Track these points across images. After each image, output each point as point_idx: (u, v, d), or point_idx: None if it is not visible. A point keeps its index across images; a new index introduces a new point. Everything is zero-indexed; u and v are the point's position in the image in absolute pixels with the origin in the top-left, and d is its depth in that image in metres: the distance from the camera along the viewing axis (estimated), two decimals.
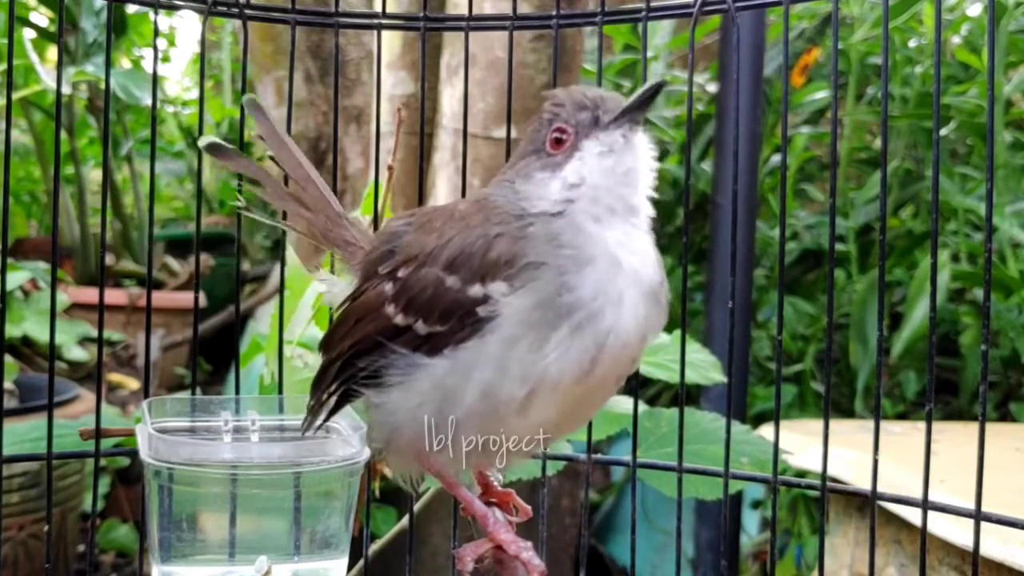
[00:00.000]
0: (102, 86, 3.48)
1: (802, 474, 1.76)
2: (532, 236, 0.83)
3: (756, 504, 2.43)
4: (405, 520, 1.36)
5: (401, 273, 0.88)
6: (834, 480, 1.63)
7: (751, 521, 2.49)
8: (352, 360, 0.90)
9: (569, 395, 0.83)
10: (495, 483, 1.01)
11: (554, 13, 1.18)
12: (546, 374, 0.81)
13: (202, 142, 1.04)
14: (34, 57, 3.29)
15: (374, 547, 1.52)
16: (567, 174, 0.85)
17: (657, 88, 0.84)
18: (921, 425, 1.02)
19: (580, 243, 0.83)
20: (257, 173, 1.05)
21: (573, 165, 0.85)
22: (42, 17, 3.64)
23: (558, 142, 0.86)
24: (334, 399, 0.94)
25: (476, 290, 0.81)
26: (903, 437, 1.95)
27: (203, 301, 3.56)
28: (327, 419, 0.96)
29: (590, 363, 0.81)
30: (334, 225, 1.01)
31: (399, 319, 0.86)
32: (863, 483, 1.15)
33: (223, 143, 1.05)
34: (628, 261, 0.83)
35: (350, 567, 1.08)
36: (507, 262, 0.81)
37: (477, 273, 0.82)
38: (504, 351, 0.81)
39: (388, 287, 0.89)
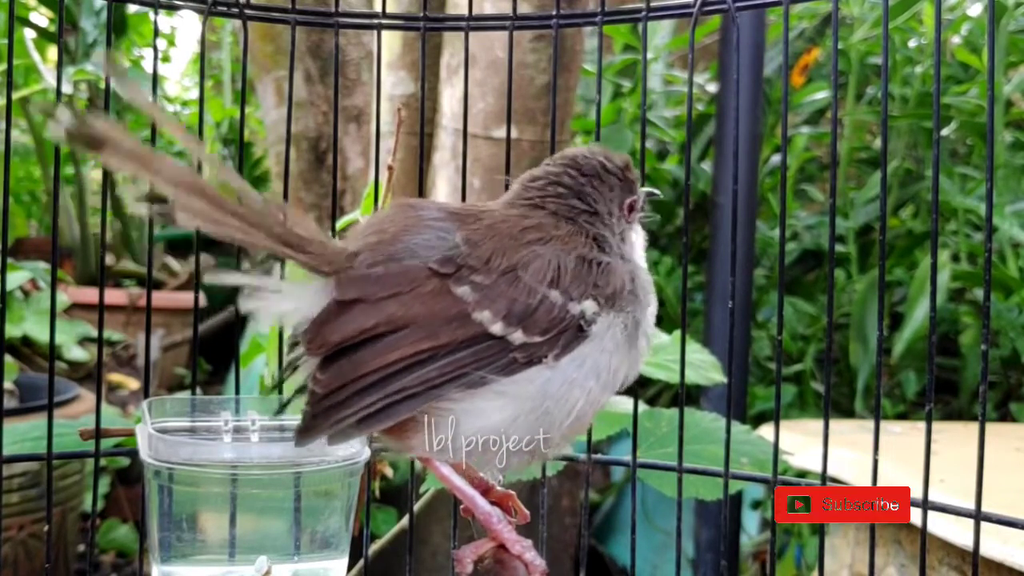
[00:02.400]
0: (102, 86, 3.48)
1: (802, 474, 1.75)
2: (630, 272, 0.95)
3: (756, 504, 2.43)
4: (405, 520, 1.36)
5: (480, 279, 0.87)
6: (834, 480, 1.63)
7: (751, 521, 2.48)
8: (414, 367, 0.85)
9: None
10: (495, 484, 1.01)
11: (554, 13, 1.18)
12: (617, 386, 0.93)
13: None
14: (36, 56, 3.29)
15: (374, 547, 1.52)
16: (636, 240, 0.99)
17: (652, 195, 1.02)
18: (921, 425, 1.02)
19: (648, 287, 0.96)
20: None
21: (638, 236, 1.00)
22: (42, 17, 3.64)
23: (631, 210, 0.99)
24: (380, 407, 0.85)
25: (575, 306, 0.89)
26: (903, 437, 1.95)
27: (203, 301, 3.56)
28: (371, 431, 0.89)
29: (627, 382, 0.95)
30: (280, 217, 0.87)
31: (496, 327, 0.86)
32: (863, 483, 1.15)
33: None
34: None
35: (350, 567, 1.08)
36: (613, 288, 0.91)
37: (583, 293, 0.90)
38: (604, 364, 0.90)
39: (464, 291, 0.86)
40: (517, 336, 0.87)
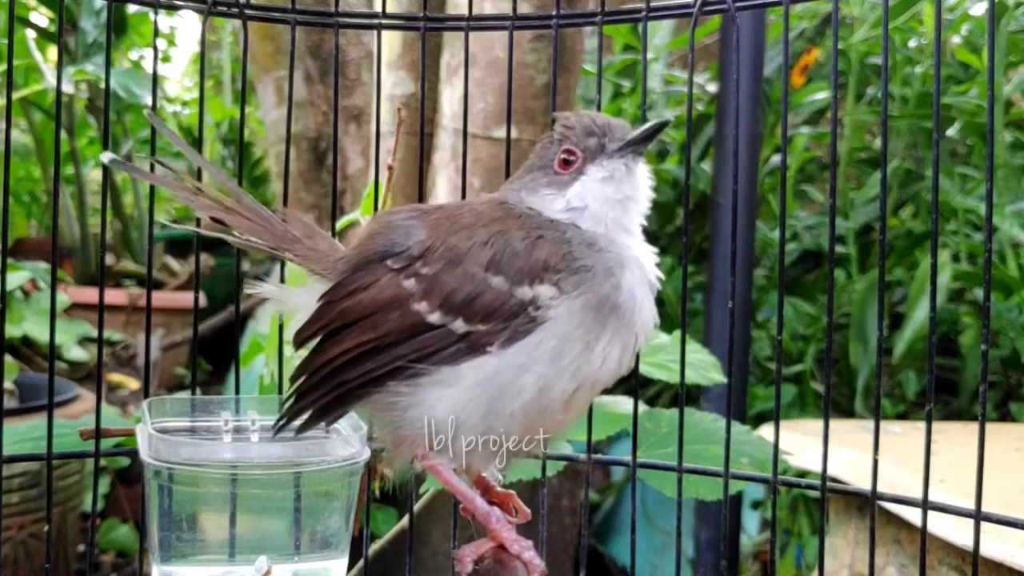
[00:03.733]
0: (102, 86, 3.48)
1: (802, 474, 1.75)
2: (573, 240, 0.88)
3: (756, 504, 2.43)
4: (405, 520, 1.36)
5: (426, 271, 0.88)
6: (834, 480, 1.63)
7: (751, 521, 2.48)
8: (359, 359, 0.88)
9: (597, 391, 0.90)
10: (495, 484, 1.01)
11: (554, 13, 1.18)
12: (593, 372, 0.87)
13: (104, 158, 1.03)
14: (38, 56, 3.29)
15: (374, 547, 1.52)
16: (570, 196, 0.92)
17: (662, 126, 0.91)
18: (921, 425, 1.02)
19: (615, 248, 0.89)
20: (171, 184, 1.01)
21: (576, 188, 0.92)
22: (42, 17, 3.64)
23: (566, 163, 0.92)
24: (329, 398, 0.91)
25: (525, 291, 0.85)
26: (903, 437, 1.95)
27: (203, 301, 3.56)
28: (332, 422, 0.94)
29: (624, 363, 0.89)
30: (279, 227, 0.98)
31: (433, 317, 0.86)
32: (863, 483, 1.15)
33: (121, 160, 1.05)
34: (647, 266, 0.91)
35: (350, 567, 1.08)
36: (555, 264, 0.86)
37: (526, 274, 0.86)
38: (559, 350, 0.85)
39: (410, 284, 0.88)
40: (458, 325, 0.86)
